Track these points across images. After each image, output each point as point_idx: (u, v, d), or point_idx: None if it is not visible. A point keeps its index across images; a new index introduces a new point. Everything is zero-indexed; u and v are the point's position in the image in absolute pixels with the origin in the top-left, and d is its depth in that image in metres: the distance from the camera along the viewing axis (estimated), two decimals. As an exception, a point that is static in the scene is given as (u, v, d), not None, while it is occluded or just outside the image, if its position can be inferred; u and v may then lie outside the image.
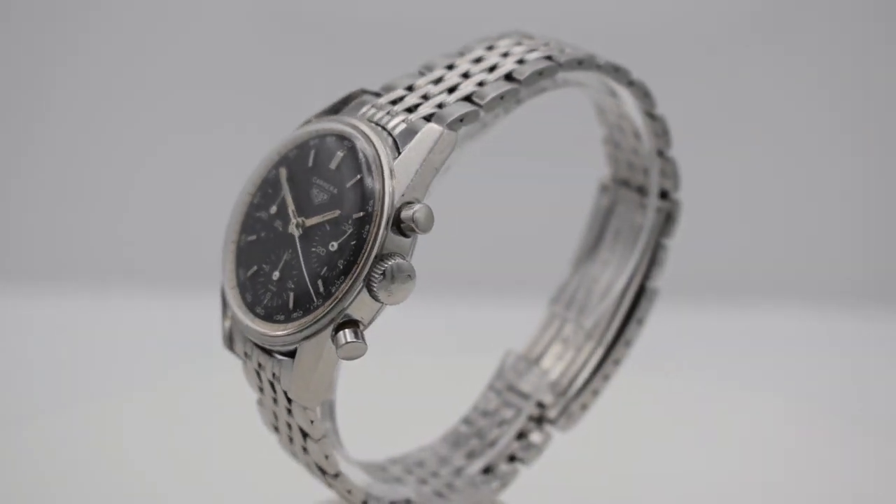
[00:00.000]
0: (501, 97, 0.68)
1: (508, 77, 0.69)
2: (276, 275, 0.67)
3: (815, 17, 1.42)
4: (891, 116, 1.43)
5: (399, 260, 0.63)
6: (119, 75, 1.45)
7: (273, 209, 0.69)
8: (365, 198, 0.65)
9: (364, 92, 0.72)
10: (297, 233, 0.67)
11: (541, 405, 0.83)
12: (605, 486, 0.95)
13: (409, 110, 0.69)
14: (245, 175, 0.72)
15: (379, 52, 1.32)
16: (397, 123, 0.68)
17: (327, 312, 0.64)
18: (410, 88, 0.71)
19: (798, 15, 1.42)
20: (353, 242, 0.64)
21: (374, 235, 0.63)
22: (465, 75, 0.71)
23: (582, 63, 0.71)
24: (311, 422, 0.71)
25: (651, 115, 0.76)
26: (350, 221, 0.65)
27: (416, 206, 0.64)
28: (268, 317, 0.67)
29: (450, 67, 0.72)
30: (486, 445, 0.83)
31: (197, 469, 0.98)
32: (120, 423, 1.06)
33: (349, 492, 0.75)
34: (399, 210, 0.64)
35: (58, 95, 1.44)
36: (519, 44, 0.73)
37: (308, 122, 0.71)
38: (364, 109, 0.70)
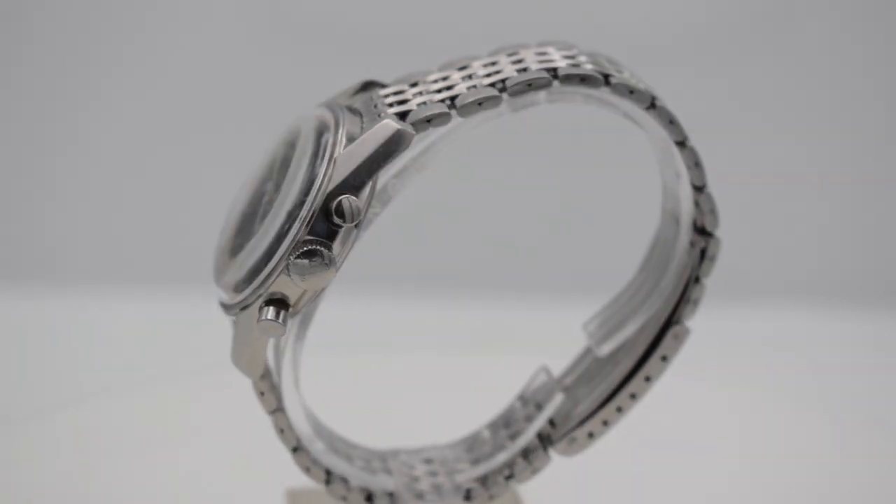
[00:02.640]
0: (479, 103, 0.67)
1: (502, 84, 0.67)
2: (248, 246, 0.70)
3: (815, 18, 1.41)
4: (891, 118, 1.41)
5: (315, 247, 0.64)
6: (120, 78, 1.48)
7: (268, 184, 0.72)
8: (310, 184, 0.66)
9: (375, 83, 0.73)
10: (265, 209, 0.69)
11: (553, 424, 0.80)
12: (605, 486, 0.94)
13: (395, 104, 0.69)
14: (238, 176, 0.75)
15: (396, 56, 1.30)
16: (374, 117, 0.68)
17: (258, 286, 0.66)
18: (415, 84, 0.71)
19: (798, 15, 1.41)
20: (292, 225, 0.66)
21: (301, 220, 0.65)
22: (469, 77, 0.69)
23: (585, 80, 0.68)
24: (262, 393, 0.73)
25: (681, 144, 0.71)
26: (297, 205, 0.66)
27: (343, 198, 0.64)
28: (234, 286, 0.70)
29: (463, 68, 0.71)
30: (493, 454, 0.81)
31: (196, 468, 1.01)
32: (119, 423, 1.09)
33: (308, 469, 0.76)
34: (329, 199, 0.64)
35: (58, 97, 1.49)
36: (542, 53, 0.71)
37: (325, 102, 0.73)
38: (363, 99, 0.71)
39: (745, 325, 1.37)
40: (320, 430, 0.79)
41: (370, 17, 1.43)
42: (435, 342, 1.31)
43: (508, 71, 0.68)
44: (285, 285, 0.65)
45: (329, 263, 0.65)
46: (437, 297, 1.41)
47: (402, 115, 0.67)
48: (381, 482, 0.80)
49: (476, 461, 0.81)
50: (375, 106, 0.69)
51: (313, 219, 0.64)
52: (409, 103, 0.68)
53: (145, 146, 1.50)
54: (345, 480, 0.78)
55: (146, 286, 1.47)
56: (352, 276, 1.31)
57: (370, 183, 0.66)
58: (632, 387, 0.77)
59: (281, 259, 0.65)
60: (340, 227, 0.65)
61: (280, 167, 0.71)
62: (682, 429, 1.05)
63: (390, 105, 0.69)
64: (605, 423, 0.78)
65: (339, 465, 0.78)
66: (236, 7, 1.46)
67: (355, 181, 0.65)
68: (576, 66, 0.69)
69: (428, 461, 0.83)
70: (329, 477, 0.78)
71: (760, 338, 1.36)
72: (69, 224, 1.52)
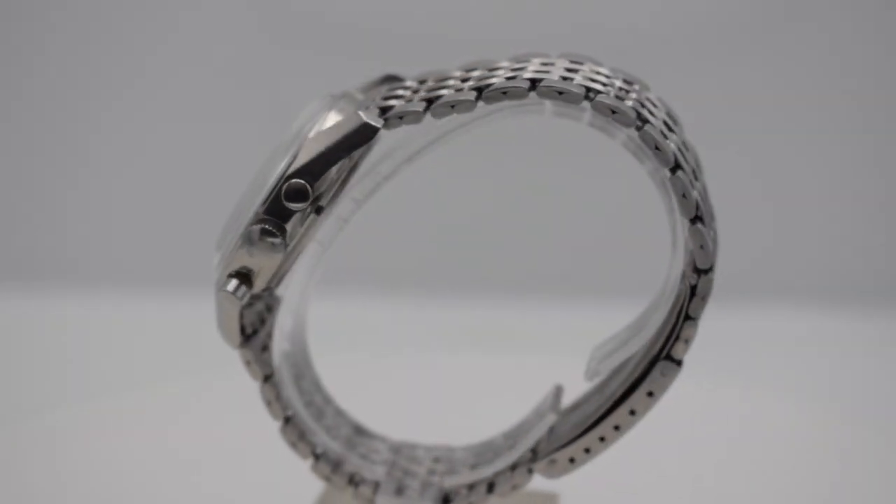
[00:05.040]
0: (452, 106, 0.68)
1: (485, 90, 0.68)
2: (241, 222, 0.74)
3: (818, 17, 1.40)
4: (891, 118, 1.40)
5: (264, 226, 0.67)
6: (124, 80, 1.50)
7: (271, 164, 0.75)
8: (283, 168, 0.69)
9: (395, 77, 0.75)
10: (260, 187, 0.73)
11: (547, 442, 0.79)
12: (605, 485, 0.94)
13: (390, 99, 0.71)
14: (243, 177, 0.78)
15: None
16: (363, 108, 0.70)
17: (224, 258, 0.71)
18: (424, 82, 0.73)
19: (802, 14, 1.41)
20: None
21: (259, 201, 0.68)
22: (469, 79, 0.70)
23: (563, 94, 0.67)
24: (248, 363, 0.76)
25: (672, 170, 0.68)
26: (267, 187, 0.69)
27: (293, 181, 0.67)
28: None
29: (471, 70, 0.72)
30: (490, 462, 0.80)
31: (198, 467, 1.04)
32: (121, 423, 1.12)
33: (294, 444, 0.79)
34: (285, 183, 0.67)
35: (60, 99, 1.51)
36: (547, 63, 0.71)
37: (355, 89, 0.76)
38: (374, 91, 0.74)
39: (745, 325, 1.38)
40: (321, 405, 0.82)
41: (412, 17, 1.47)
42: (467, 343, 1.32)
43: (498, 77, 0.69)
44: (243, 260, 0.69)
45: (276, 243, 0.68)
46: (453, 298, 1.42)
47: (387, 110, 0.69)
48: (377, 471, 0.81)
49: (475, 466, 0.81)
50: (374, 99, 0.71)
51: (269, 200, 0.68)
52: (401, 99, 0.70)
53: (146, 147, 1.55)
54: (337, 463, 0.80)
55: (146, 286, 1.52)
56: (364, 277, 1.33)
57: (335, 170, 0.68)
58: (615, 418, 0.75)
59: (240, 234, 0.68)
60: (293, 209, 0.68)
61: (282, 149, 0.74)
62: (683, 428, 1.05)
63: (385, 99, 0.71)
64: (588, 451, 0.76)
65: (333, 448, 0.80)
66: (239, 8, 1.50)
67: (315, 167, 0.68)
68: (566, 80, 0.68)
69: (437, 460, 0.84)
70: (317, 455, 0.80)
71: (761, 338, 1.37)
72: (70, 224, 1.57)
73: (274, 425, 0.80)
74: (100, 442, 1.08)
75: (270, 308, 0.79)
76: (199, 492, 0.99)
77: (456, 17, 1.44)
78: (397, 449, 0.85)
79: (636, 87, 0.71)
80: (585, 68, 0.71)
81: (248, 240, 0.68)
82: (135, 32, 1.53)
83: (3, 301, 1.50)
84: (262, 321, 0.79)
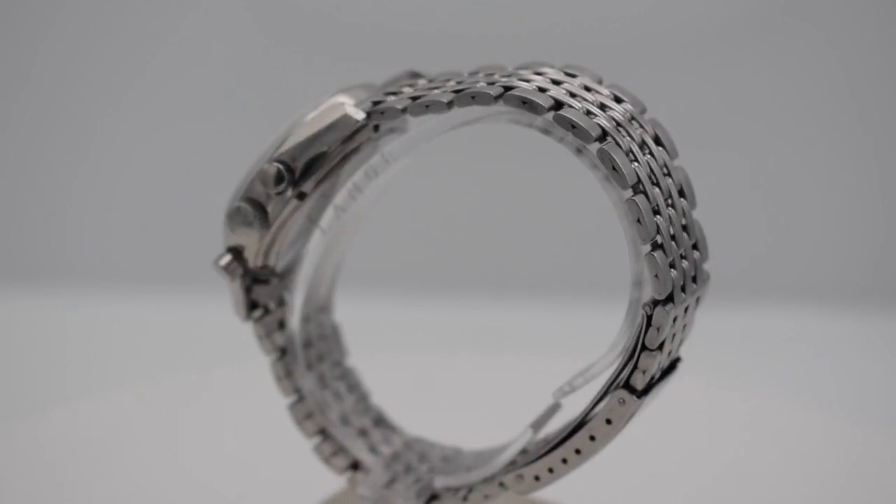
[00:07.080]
0: (426, 106, 0.71)
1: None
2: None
3: (819, 17, 1.35)
4: (891, 119, 1.35)
5: (243, 204, 0.73)
6: (125, 81, 1.49)
7: None
8: (270, 151, 0.75)
9: (417, 74, 0.79)
10: None
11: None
12: (603, 484, 0.94)
13: (389, 94, 0.75)
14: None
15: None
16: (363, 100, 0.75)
17: (224, 235, 0.77)
18: (432, 81, 0.76)
19: (798, 16, 1.35)
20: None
21: (247, 181, 0.74)
22: (460, 82, 0.73)
23: (526, 104, 0.68)
24: (260, 338, 0.82)
25: (634, 192, 0.68)
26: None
27: (269, 165, 0.73)
28: None
29: (474, 73, 0.75)
30: (480, 468, 0.81)
31: (202, 466, 1.07)
32: (124, 422, 1.14)
33: (299, 423, 0.84)
34: (268, 165, 0.73)
35: (62, 99, 1.50)
36: (539, 73, 0.72)
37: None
38: (389, 86, 0.78)
39: (745, 325, 1.37)
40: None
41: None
42: (474, 344, 1.35)
43: (480, 83, 0.71)
44: (229, 237, 0.75)
45: (253, 223, 0.73)
46: (456, 299, 1.44)
47: (375, 103, 0.73)
48: (380, 463, 0.84)
49: (469, 469, 0.82)
50: (376, 94, 0.76)
51: (251, 181, 0.74)
52: (398, 95, 0.74)
53: (146, 147, 1.56)
54: (341, 448, 0.84)
55: (147, 286, 1.54)
56: (375, 280, 1.32)
57: (316, 158, 0.73)
58: (575, 442, 0.74)
59: (225, 213, 0.75)
60: (274, 192, 0.73)
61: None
62: (683, 428, 1.06)
63: (386, 94, 0.75)
64: (551, 471, 0.75)
65: (342, 433, 0.84)
66: (240, 6, 1.50)
67: (296, 154, 0.73)
68: (542, 91, 0.69)
69: (443, 459, 0.85)
70: (323, 436, 0.84)
71: (761, 338, 1.36)
72: (71, 225, 1.60)
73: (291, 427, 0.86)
74: (102, 441, 1.12)
75: (289, 289, 0.84)
76: (209, 490, 1.04)
77: (462, 18, 1.44)
78: (410, 444, 0.87)
79: (626, 106, 0.71)
80: (575, 81, 0.71)
81: (229, 218, 0.74)
82: (136, 32, 1.57)
83: (2, 301, 1.57)
84: (282, 301, 0.83)
